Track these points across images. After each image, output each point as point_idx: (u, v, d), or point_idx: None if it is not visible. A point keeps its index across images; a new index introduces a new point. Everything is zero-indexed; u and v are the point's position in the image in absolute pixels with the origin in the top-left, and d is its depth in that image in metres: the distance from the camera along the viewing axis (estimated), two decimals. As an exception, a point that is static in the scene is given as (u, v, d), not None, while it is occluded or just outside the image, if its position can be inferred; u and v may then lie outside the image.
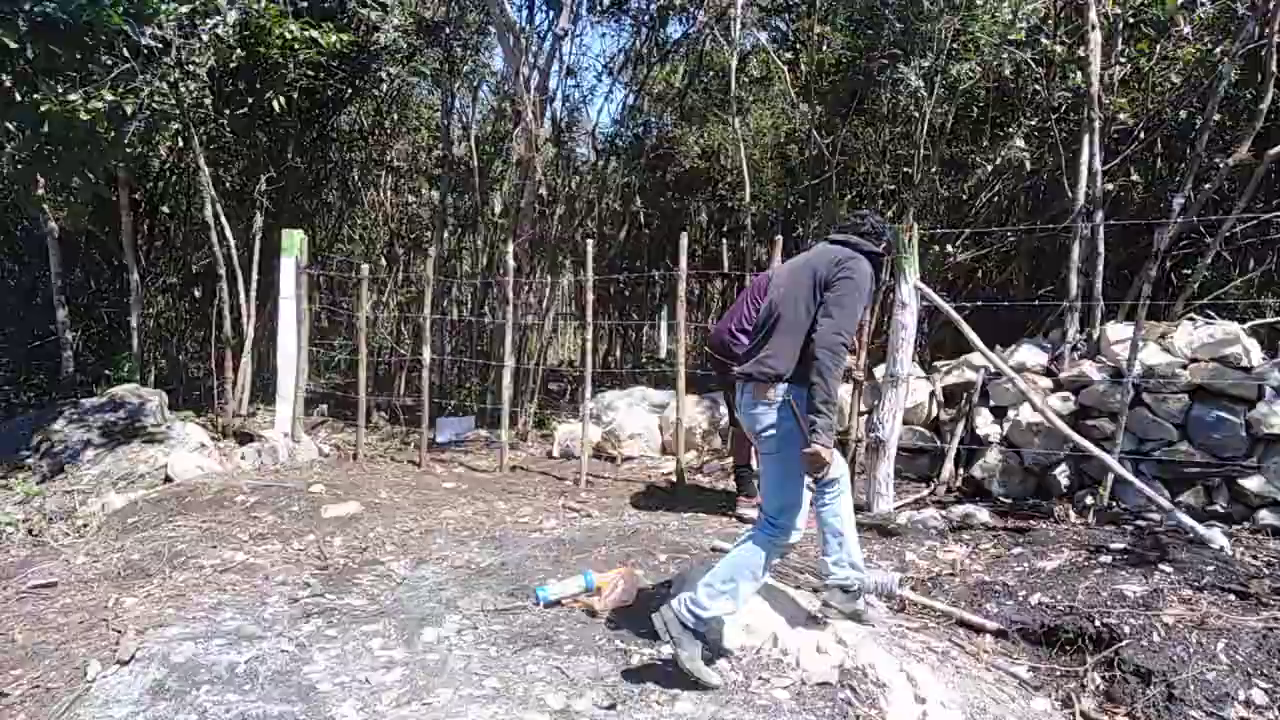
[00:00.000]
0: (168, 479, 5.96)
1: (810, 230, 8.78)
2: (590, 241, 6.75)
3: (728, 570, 2.96)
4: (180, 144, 8.20)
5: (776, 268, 5.27)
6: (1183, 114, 6.81)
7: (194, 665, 2.99)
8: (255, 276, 8.35)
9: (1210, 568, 3.83)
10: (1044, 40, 6.92)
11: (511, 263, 7.21)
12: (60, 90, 5.69)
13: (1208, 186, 5.89)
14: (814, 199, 9.07)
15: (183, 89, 6.96)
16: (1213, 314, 5.65)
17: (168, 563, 4.19)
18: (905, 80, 7.41)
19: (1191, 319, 5.52)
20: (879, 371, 5.64)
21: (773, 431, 3.06)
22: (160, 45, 6.48)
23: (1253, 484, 4.84)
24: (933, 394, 6.11)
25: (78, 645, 3.24)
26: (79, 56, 5.95)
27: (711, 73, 10.25)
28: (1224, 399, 5.00)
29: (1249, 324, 5.46)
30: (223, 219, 7.81)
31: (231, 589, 3.84)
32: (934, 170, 7.81)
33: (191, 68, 6.89)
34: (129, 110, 6.21)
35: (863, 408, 5.66)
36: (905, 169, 8.13)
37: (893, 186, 8.33)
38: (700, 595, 2.91)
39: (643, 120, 10.95)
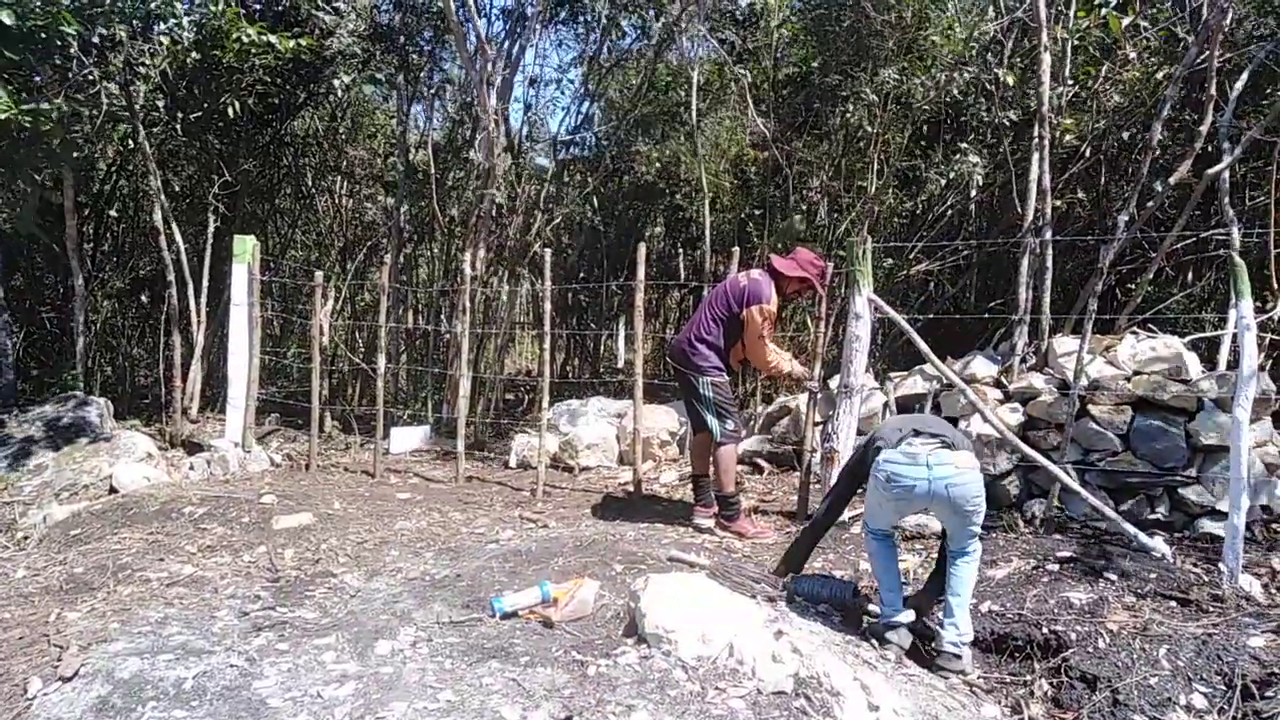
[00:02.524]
0: (113, 490, 5.81)
1: (767, 242, 8.87)
2: (548, 251, 6.75)
3: (966, 597, 3.44)
4: (130, 146, 8.05)
5: (735, 279, 5.30)
6: (1126, 135, 7.03)
7: (140, 681, 2.91)
8: (206, 282, 8.20)
9: (1153, 575, 3.94)
10: (990, 61, 7.10)
11: (469, 271, 7.18)
12: (16, 93, 5.59)
13: (1150, 204, 6.07)
14: (770, 211, 9.17)
15: (133, 90, 6.83)
16: (1155, 328, 5.83)
17: (112, 576, 4.08)
18: (860, 95, 7.53)
19: (1135, 333, 5.68)
20: (834, 382, 5.71)
21: (983, 491, 3.44)
22: (109, 45, 6.37)
23: (1193, 493, 4.99)
24: (886, 405, 6.20)
25: (17, 662, 3.14)
26: (31, 58, 5.84)
27: (666, 85, 10.32)
28: (1165, 411, 5.15)
29: (1189, 338, 5.64)
30: (172, 223, 7.66)
31: (179, 602, 3.75)
32: (888, 184, 7.94)
33: (142, 69, 6.76)
34: (85, 114, 6.11)
35: (818, 418, 5.72)
36: (860, 183, 8.26)
37: (848, 199, 8.46)
38: (960, 624, 3.40)
39: (600, 130, 10.99)
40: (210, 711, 2.75)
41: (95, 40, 6.31)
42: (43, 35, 5.72)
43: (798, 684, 2.87)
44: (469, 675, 3.01)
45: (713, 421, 5.06)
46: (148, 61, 6.97)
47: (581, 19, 10.25)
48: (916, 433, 3.48)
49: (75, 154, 6.72)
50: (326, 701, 2.81)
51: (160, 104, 7.48)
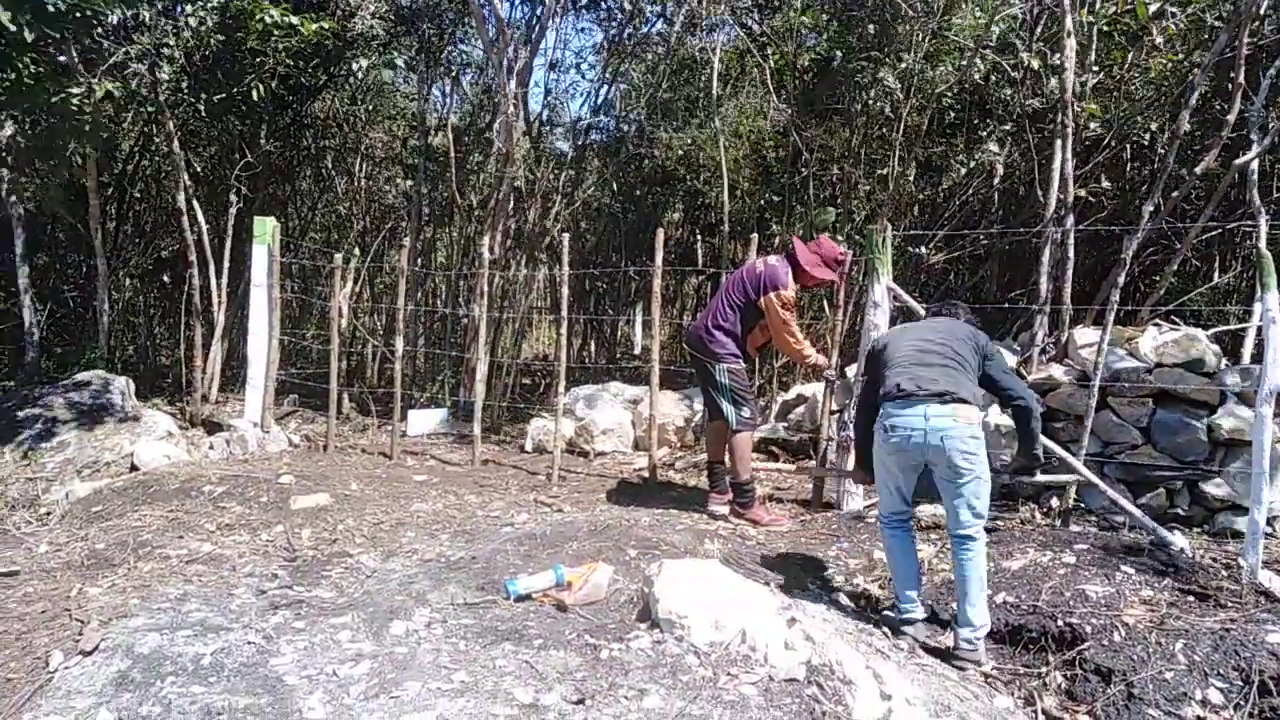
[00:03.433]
0: (134, 467, 5.88)
1: (785, 228, 8.83)
2: (566, 236, 6.74)
3: (976, 590, 3.39)
4: (152, 127, 8.10)
5: (752, 265, 5.25)
6: (1154, 125, 6.92)
7: (159, 656, 2.96)
8: (226, 263, 8.25)
9: (1171, 569, 3.90)
10: (1018, 45, 7.00)
11: (487, 255, 7.19)
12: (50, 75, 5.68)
13: (1175, 194, 5.99)
14: (789, 198, 9.12)
15: (159, 72, 6.87)
16: (1178, 320, 5.76)
17: (132, 552, 4.14)
18: (883, 82, 7.46)
19: (1157, 324, 5.61)
20: (851, 371, 5.68)
21: (979, 450, 3.39)
22: (134, 26, 6.42)
23: (1213, 487, 4.94)
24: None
25: (39, 635, 3.19)
26: (63, 38, 5.90)
27: (686, 70, 10.26)
28: (1186, 404, 5.09)
29: (1212, 330, 5.57)
30: (195, 204, 7.71)
31: (198, 580, 3.80)
32: (909, 172, 7.87)
33: (166, 50, 6.80)
34: (116, 95, 6.19)
35: (834, 407, 5.70)
36: (880, 170, 8.19)
37: (868, 187, 8.39)
38: (975, 621, 3.37)
39: (619, 115, 10.95)
40: (228, 687, 2.78)
41: (117, 21, 6.36)
42: (77, 15, 5.76)
43: (810, 671, 2.87)
44: (482, 657, 3.03)
45: (729, 409, 5.05)
46: (171, 42, 7.01)
47: (603, 3, 10.20)
48: (919, 388, 3.45)
49: (102, 134, 6.78)
50: (342, 680, 2.84)
51: (184, 85, 7.53)
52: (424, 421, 8.05)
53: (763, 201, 9.63)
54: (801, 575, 4.13)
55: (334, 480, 5.66)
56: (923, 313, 5.19)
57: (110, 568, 3.96)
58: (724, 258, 9.73)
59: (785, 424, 7.06)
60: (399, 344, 7.08)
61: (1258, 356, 4.83)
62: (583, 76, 11.39)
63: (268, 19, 6.99)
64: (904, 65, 7.27)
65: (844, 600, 3.92)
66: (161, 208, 9.91)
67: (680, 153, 9.80)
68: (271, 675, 2.87)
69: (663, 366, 6.40)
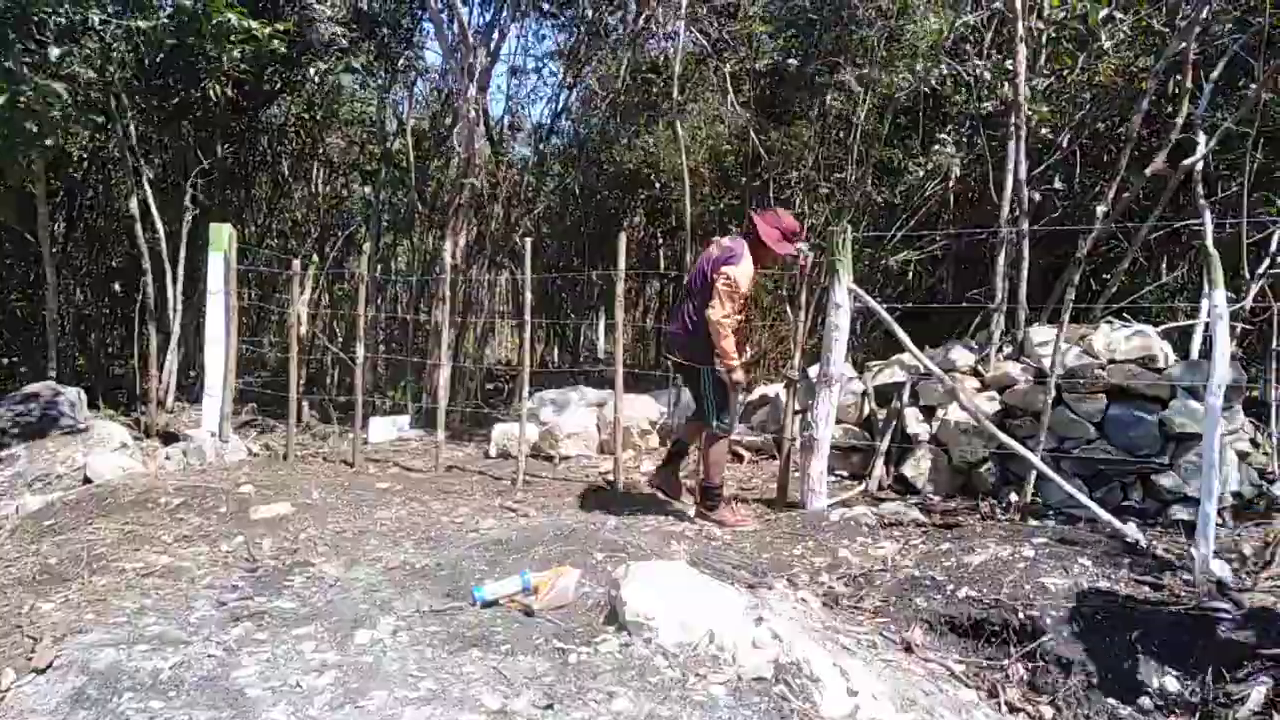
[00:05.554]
0: (87, 480, 5.74)
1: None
2: (528, 241, 6.72)
3: None
4: (104, 133, 7.94)
5: (708, 252, 5.18)
6: (1101, 125, 7.08)
7: (116, 672, 2.89)
8: (181, 270, 8.11)
9: (1126, 560, 3.99)
10: (969, 51, 7.12)
11: (448, 260, 7.14)
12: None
13: (1126, 195, 6.12)
14: (749, 201, 9.18)
15: (109, 75, 6.73)
16: (1129, 317, 5.89)
17: (87, 567, 4.04)
18: (842, 85, 7.55)
19: (1109, 322, 5.74)
20: (813, 371, 5.73)
21: None
22: (84, 29, 6.28)
23: (1166, 480, 5.06)
24: (865, 394, 6.24)
25: (-10, 653, 3.11)
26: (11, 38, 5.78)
27: (645, 75, 10.30)
28: (1139, 399, 5.21)
29: (1163, 327, 5.70)
30: (151, 209, 7.56)
31: (155, 593, 3.71)
32: (867, 175, 7.96)
33: (116, 54, 6.66)
34: (63, 98, 6.05)
35: (797, 407, 5.75)
36: (839, 174, 8.27)
37: (827, 190, 8.47)
38: None
39: (581, 120, 10.96)
40: (188, 702, 2.73)
41: (64, 23, 6.21)
42: (14, 17, 5.64)
43: (778, 670, 2.88)
44: (450, 664, 3.00)
45: (710, 413, 5.02)
46: (122, 47, 6.86)
47: (565, 12, 10.20)
48: None
49: (49, 140, 6.62)
50: (305, 691, 2.80)
51: (136, 90, 7.38)
52: (386, 428, 7.97)
53: (722, 205, 9.68)
54: (768, 574, 4.15)
55: (295, 489, 5.58)
56: (884, 313, 5.26)
57: (63, 582, 3.85)
58: (686, 261, 9.77)
59: (748, 425, 7.10)
60: (360, 350, 7.00)
61: (1206, 352, 4.96)
62: (545, 83, 11.37)
63: (225, 21, 6.85)
64: (862, 70, 7.36)
65: (810, 598, 3.95)
66: (113, 215, 9.71)
67: (641, 154, 9.82)
68: (233, 688, 2.81)
69: (627, 370, 6.40)
